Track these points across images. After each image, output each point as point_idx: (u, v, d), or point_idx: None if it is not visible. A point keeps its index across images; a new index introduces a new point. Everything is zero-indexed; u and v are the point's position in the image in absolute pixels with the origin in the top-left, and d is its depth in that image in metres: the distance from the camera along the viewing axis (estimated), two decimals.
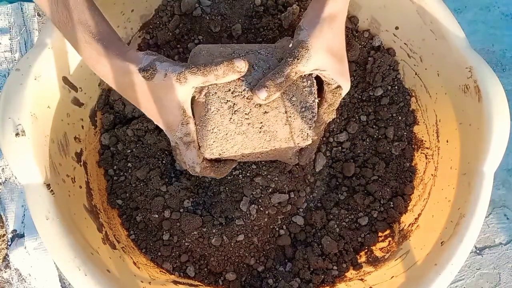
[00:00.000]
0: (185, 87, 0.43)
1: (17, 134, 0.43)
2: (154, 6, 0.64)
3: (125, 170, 0.61)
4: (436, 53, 0.56)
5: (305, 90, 0.47)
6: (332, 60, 0.47)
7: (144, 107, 0.46)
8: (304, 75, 0.47)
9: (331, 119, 0.52)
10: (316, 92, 0.48)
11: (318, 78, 0.49)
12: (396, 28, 0.61)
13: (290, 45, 0.47)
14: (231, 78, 0.44)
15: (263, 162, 0.62)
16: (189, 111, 0.45)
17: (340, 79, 0.48)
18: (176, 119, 0.45)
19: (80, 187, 0.54)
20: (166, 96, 0.44)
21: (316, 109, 0.48)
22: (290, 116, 0.47)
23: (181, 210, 0.60)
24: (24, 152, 0.44)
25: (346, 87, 0.49)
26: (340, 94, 0.49)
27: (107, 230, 0.55)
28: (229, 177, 0.61)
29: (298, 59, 0.44)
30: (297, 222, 0.61)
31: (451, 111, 0.55)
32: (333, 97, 0.49)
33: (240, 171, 0.61)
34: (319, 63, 0.46)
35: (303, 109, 0.47)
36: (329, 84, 0.48)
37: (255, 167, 0.61)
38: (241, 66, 0.43)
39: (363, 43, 0.65)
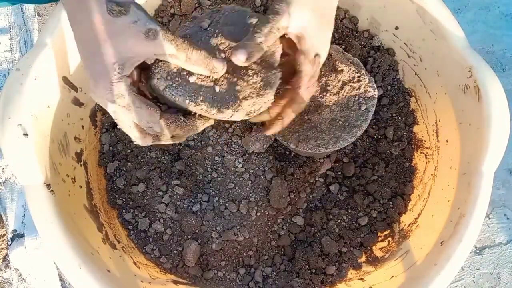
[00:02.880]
0: (148, 46, 0.38)
1: (17, 134, 0.43)
2: (154, 6, 0.64)
3: (125, 170, 0.61)
4: (436, 53, 0.56)
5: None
6: (316, 19, 0.43)
7: (85, 43, 0.39)
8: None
9: (315, 92, 0.49)
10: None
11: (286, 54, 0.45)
12: (396, 28, 0.61)
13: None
14: (199, 71, 0.40)
15: (264, 163, 0.62)
16: (129, 72, 0.39)
17: (320, 44, 0.44)
18: (112, 72, 0.38)
19: (80, 187, 0.54)
20: (119, 44, 0.38)
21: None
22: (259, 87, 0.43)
23: (181, 210, 0.60)
24: (24, 152, 0.44)
25: (324, 54, 0.45)
26: (319, 63, 0.45)
27: (107, 230, 0.55)
28: (229, 177, 0.61)
29: (279, 14, 0.40)
30: (297, 222, 0.61)
31: (451, 111, 0.55)
32: (312, 68, 0.45)
33: (242, 170, 0.61)
34: (302, 18, 0.41)
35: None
36: (306, 54, 0.44)
37: (256, 168, 0.61)
38: (219, 68, 0.40)
39: (363, 43, 0.65)
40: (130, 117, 0.41)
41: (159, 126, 0.42)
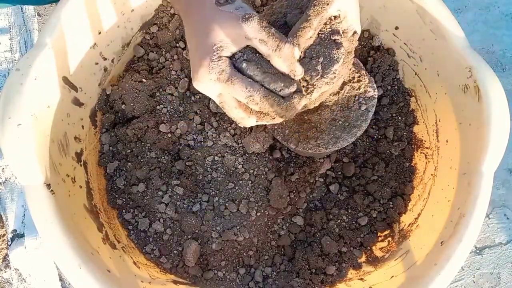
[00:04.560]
0: (242, 29, 0.41)
1: (17, 134, 0.43)
2: (154, 6, 0.64)
3: (125, 170, 0.61)
4: (436, 53, 0.56)
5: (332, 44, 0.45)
6: (354, 2, 0.45)
7: (194, 32, 0.44)
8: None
9: (350, 70, 0.51)
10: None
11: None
12: (396, 28, 0.61)
13: None
14: (281, 67, 0.43)
15: (265, 163, 0.62)
16: (227, 54, 0.43)
17: (356, 23, 0.46)
18: (212, 53, 0.42)
19: (80, 187, 0.54)
20: (221, 28, 0.42)
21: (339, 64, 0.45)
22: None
23: (181, 210, 0.60)
24: (24, 152, 0.44)
25: (359, 32, 0.47)
26: (356, 40, 0.47)
27: (107, 230, 0.55)
28: (229, 177, 0.61)
29: (328, 4, 0.42)
30: (297, 222, 0.61)
31: (451, 111, 0.55)
32: (350, 45, 0.47)
33: (242, 170, 0.61)
34: (346, 2, 0.44)
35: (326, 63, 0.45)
36: (346, 32, 0.46)
37: (256, 168, 0.61)
38: (299, 71, 0.42)
39: (363, 43, 0.65)
40: (233, 95, 0.44)
41: (259, 95, 0.43)
